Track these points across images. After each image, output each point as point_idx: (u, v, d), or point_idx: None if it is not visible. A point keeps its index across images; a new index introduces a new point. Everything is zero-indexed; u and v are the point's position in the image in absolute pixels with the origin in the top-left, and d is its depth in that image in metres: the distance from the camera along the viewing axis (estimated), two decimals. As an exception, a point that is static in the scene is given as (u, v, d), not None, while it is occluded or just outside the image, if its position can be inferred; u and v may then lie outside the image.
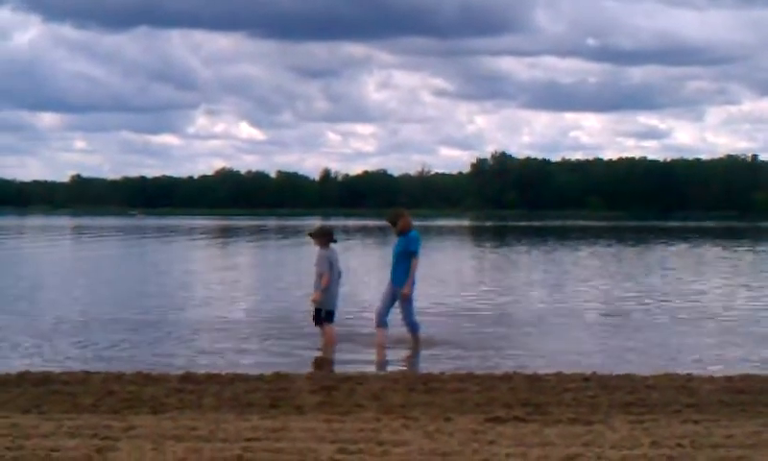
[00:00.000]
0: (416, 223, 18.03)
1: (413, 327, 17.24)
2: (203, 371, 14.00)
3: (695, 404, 11.72)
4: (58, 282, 32.46)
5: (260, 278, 35.44)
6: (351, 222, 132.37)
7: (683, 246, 62.54)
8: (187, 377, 13.28)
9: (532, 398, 11.93)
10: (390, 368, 15.44)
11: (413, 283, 16.95)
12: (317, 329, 17.24)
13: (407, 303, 17.06)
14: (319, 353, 16.66)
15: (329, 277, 16.91)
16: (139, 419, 10.46)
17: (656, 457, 8.86)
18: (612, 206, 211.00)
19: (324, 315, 17.03)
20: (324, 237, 17.33)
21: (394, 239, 17.56)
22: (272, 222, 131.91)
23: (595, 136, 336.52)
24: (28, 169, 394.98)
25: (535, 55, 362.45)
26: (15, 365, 14.71)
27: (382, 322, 17.12)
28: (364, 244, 66.67)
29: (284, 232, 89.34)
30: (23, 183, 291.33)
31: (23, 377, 13.07)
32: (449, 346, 17.52)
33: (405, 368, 15.53)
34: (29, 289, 29.27)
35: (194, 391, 12.19)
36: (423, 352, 16.73)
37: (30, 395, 11.88)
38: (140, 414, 10.80)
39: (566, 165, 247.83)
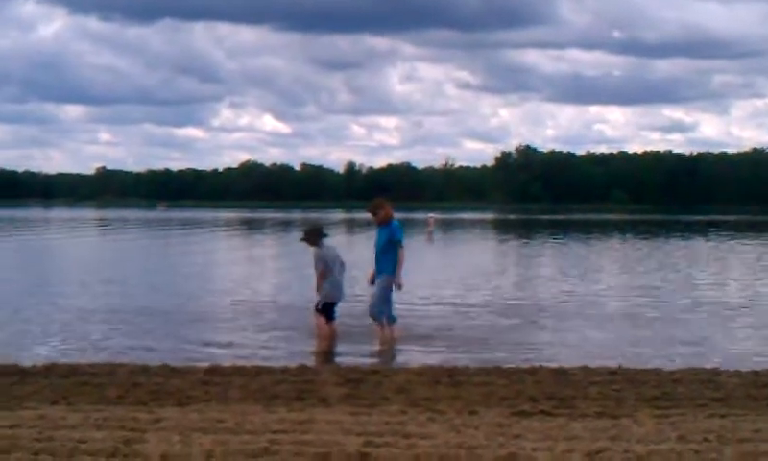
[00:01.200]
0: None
1: (380, 315, 17.08)
2: (227, 363, 14.04)
3: (722, 399, 11.66)
4: (83, 274, 32.59)
5: (283, 270, 35.42)
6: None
7: (711, 240, 62.35)
8: (213, 370, 13.31)
9: (558, 391, 11.90)
10: (413, 361, 15.34)
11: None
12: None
13: (388, 292, 16.96)
14: (319, 346, 16.81)
15: (325, 273, 17.18)
16: (166, 411, 10.48)
17: (683, 452, 8.81)
18: (637, 199, 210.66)
19: (321, 307, 17.31)
20: (315, 236, 17.62)
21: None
22: (296, 215, 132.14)
23: (620, 129, 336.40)
24: (53, 161, 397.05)
25: (560, 47, 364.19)
26: (42, 356, 14.78)
27: (390, 318, 17.12)
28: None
29: (308, 225, 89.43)
30: (48, 176, 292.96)
31: (50, 369, 13.12)
32: (472, 339, 17.54)
33: (428, 361, 15.38)
34: (56, 281, 29.45)
35: (219, 383, 12.21)
36: (446, 345, 16.73)
37: (57, 386, 11.92)
38: (166, 406, 10.83)
39: (591, 158, 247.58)
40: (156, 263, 39.09)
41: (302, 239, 17.83)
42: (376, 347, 16.71)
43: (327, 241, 17.78)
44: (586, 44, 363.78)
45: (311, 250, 17.62)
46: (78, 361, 13.92)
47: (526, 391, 11.90)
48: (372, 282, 17.12)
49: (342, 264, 17.56)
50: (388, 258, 16.82)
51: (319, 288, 17.33)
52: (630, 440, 9.28)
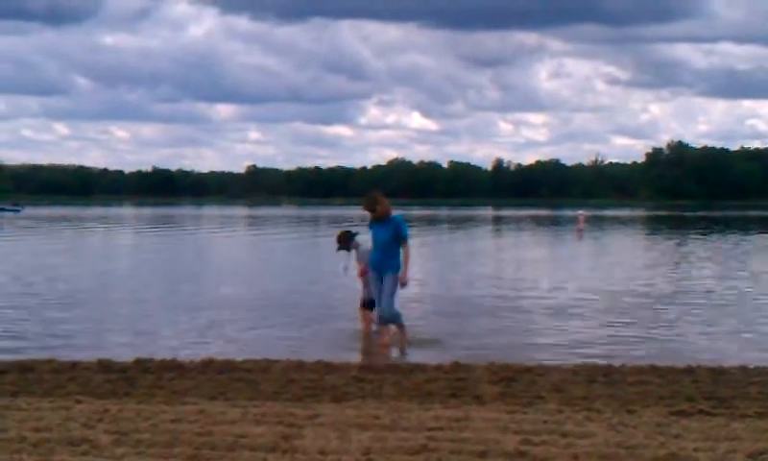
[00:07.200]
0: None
1: (398, 317, 16.47)
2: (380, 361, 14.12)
3: None
4: (234, 269, 33.14)
5: (435, 267, 35.45)
6: (523, 212, 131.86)
7: None
8: (366, 367, 13.39)
9: (716, 391, 11.68)
10: (563, 359, 15.12)
11: (398, 270, 16.15)
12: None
13: (394, 290, 16.27)
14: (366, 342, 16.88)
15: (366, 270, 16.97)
16: (322, 407, 10.56)
17: None
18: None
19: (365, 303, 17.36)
20: (348, 241, 17.61)
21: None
22: (444, 212, 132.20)
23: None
24: (205, 160, 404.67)
25: (712, 41, 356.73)
26: (199, 352, 14.99)
27: (395, 315, 16.42)
28: (531, 237, 66.46)
29: (456, 222, 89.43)
30: (200, 174, 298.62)
31: (207, 365, 13.30)
32: (624, 336, 17.41)
33: (586, 355, 15.15)
34: (211, 276, 30.02)
35: (373, 380, 12.23)
36: (605, 343, 16.55)
37: (215, 382, 12.10)
38: (323, 402, 10.90)
39: (745, 154, 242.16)
40: (299, 260, 39.45)
41: (339, 249, 17.71)
42: (397, 349, 16.19)
43: (360, 239, 17.66)
44: (739, 38, 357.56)
45: (353, 252, 17.55)
46: (233, 357, 14.06)
47: (683, 390, 11.71)
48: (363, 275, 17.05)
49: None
50: (392, 255, 16.20)
51: (367, 287, 17.23)
52: (794, 442, 9.06)
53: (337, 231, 18.09)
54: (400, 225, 16.27)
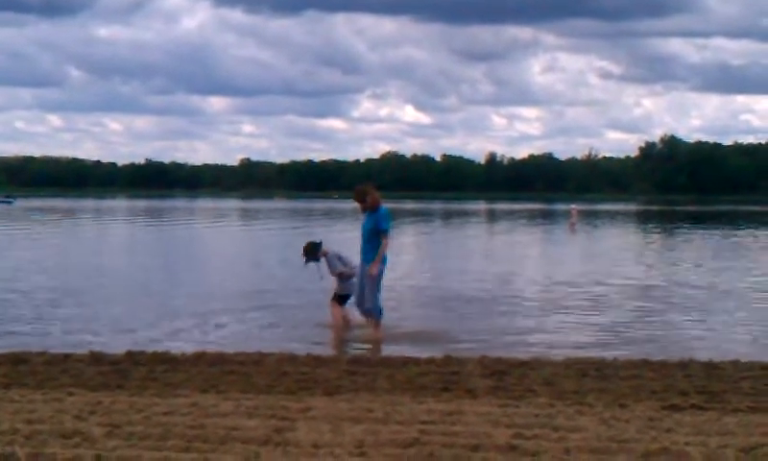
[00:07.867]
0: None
1: (375, 311, 16.42)
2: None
3: None
4: (223, 262, 33.14)
5: (426, 260, 35.44)
6: (516, 206, 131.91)
7: None
8: (358, 360, 13.38)
9: (709, 385, 11.67)
10: (559, 354, 15.14)
11: (383, 263, 16.19)
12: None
13: (374, 284, 16.28)
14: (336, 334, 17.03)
15: (347, 270, 17.41)
16: (315, 400, 10.55)
17: (841, 449, 8.59)
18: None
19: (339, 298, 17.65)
20: (316, 250, 17.83)
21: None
22: (437, 205, 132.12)
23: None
24: (199, 153, 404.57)
25: (705, 36, 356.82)
26: (189, 344, 15.04)
27: (376, 310, 16.42)
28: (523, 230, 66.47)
29: (449, 216, 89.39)
30: (194, 167, 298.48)
31: (200, 357, 13.28)
32: (616, 330, 17.44)
33: (577, 352, 15.15)
34: (200, 268, 29.98)
35: (366, 373, 12.22)
36: (597, 338, 16.58)
37: (207, 375, 12.06)
38: (315, 395, 10.88)
39: (738, 149, 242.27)
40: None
41: (308, 261, 17.88)
42: (374, 339, 16.23)
43: (327, 245, 17.94)
44: (732, 32, 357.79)
45: (323, 260, 17.72)
46: (226, 350, 14.05)
47: (676, 385, 11.70)
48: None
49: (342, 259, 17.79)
50: (373, 247, 16.17)
51: (340, 284, 17.58)
52: (786, 436, 9.07)
53: (303, 246, 18.07)
54: (381, 217, 16.25)
